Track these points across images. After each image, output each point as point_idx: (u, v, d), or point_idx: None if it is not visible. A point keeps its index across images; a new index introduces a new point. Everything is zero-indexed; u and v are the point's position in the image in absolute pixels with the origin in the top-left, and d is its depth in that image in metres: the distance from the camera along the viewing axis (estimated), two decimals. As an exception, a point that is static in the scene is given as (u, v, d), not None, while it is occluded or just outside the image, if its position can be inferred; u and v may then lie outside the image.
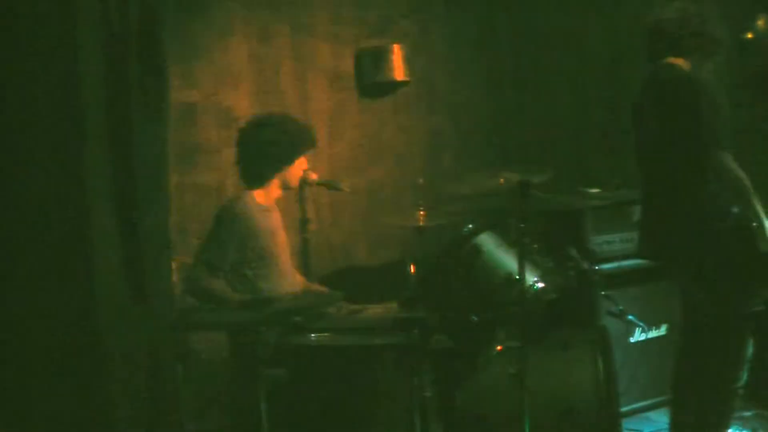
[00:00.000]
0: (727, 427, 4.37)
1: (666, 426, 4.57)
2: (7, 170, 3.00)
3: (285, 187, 4.88)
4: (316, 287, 4.98)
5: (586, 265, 4.64)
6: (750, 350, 4.29)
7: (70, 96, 3.11)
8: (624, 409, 5.07)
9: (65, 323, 3.03)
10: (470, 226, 4.47)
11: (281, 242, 4.87)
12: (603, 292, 4.83)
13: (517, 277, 4.17)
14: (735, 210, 4.17)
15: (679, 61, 4.35)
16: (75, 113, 3.11)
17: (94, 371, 3.05)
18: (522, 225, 4.16)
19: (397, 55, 5.84)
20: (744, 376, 4.29)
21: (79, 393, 3.02)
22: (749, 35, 5.47)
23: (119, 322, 3.12)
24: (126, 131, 3.25)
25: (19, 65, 3.08)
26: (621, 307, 4.74)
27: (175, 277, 4.20)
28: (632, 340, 5.28)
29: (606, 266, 5.16)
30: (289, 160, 4.82)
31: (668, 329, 5.33)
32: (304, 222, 5.10)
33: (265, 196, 4.83)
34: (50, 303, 3.04)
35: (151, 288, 3.31)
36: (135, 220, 3.17)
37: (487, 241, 4.41)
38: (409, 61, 5.91)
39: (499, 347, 4.47)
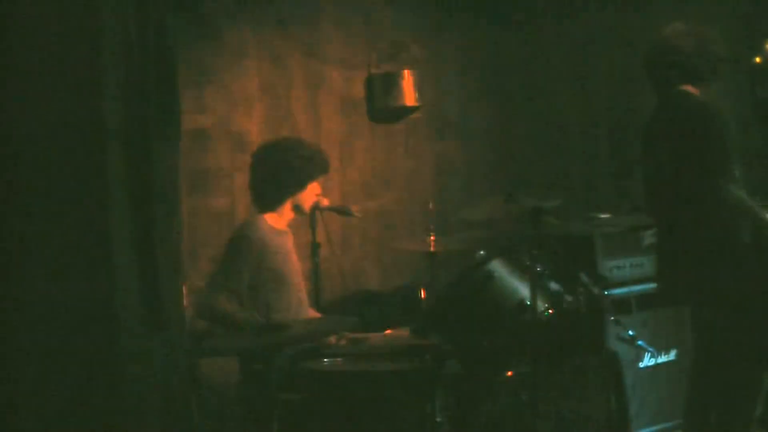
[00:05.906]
0: None
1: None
2: (26, 206, 3.01)
3: (297, 211, 4.89)
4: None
5: (596, 291, 4.64)
6: (766, 382, 4.25)
7: (92, 116, 3.12)
8: (634, 434, 5.08)
9: (80, 351, 3.04)
10: (482, 252, 4.48)
11: (294, 265, 4.89)
12: (613, 318, 4.82)
13: (529, 302, 4.17)
14: (750, 239, 4.15)
15: (692, 89, 4.30)
16: (96, 138, 3.13)
17: (108, 398, 3.05)
18: (534, 251, 4.17)
19: (407, 81, 5.85)
20: (758, 409, 4.25)
21: (92, 420, 3.02)
22: (758, 60, 5.47)
23: (134, 349, 3.12)
24: (143, 155, 3.27)
25: (41, 88, 3.09)
26: (631, 333, 4.73)
27: (186, 302, 4.20)
28: (642, 365, 5.26)
29: (616, 291, 5.16)
30: (302, 184, 4.84)
31: (678, 354, 5.32)
32: (314, 247, 5.10)
33: (278, 220, 4.85)
34: (64, 328, 3.05)
35: (164, 313, 3.31)
36: (152, 247, 3.17)
37: (498, 266, 4.41)
38: (419, 86, 5.91)
39: (510, 373, 4.48)
